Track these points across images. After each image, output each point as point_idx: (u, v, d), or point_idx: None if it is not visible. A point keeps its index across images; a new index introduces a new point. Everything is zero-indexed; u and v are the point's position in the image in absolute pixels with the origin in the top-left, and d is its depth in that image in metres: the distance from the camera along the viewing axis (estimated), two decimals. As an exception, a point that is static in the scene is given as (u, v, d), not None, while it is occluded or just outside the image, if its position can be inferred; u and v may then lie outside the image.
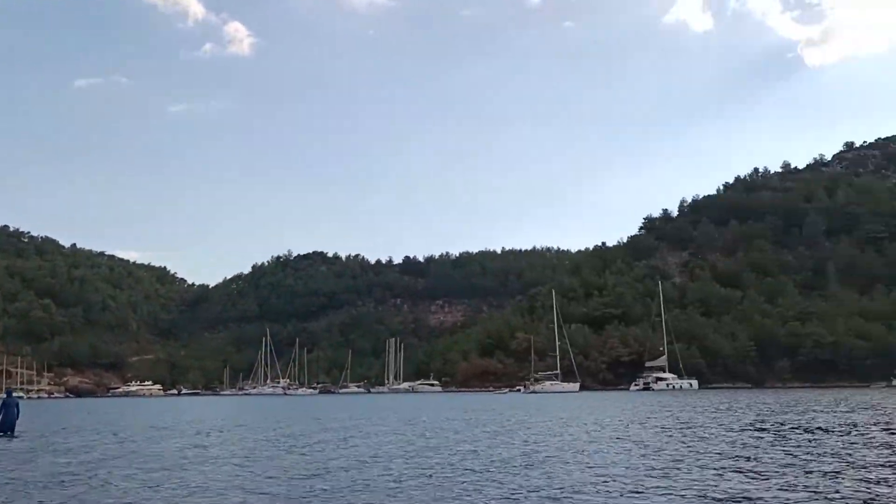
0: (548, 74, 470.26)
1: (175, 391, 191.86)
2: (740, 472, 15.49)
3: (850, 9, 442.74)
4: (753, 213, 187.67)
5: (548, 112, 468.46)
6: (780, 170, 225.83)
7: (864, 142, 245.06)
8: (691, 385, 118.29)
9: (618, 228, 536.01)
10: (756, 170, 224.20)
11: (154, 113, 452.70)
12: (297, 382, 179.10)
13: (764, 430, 26.77)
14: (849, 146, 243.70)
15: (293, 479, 15.48)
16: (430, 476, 15.68)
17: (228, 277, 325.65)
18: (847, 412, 38.44)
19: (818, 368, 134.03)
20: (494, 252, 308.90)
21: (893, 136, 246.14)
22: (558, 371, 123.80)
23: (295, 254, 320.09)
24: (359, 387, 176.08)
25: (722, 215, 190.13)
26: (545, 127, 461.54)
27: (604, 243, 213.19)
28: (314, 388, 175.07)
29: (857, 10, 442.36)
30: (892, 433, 24.26)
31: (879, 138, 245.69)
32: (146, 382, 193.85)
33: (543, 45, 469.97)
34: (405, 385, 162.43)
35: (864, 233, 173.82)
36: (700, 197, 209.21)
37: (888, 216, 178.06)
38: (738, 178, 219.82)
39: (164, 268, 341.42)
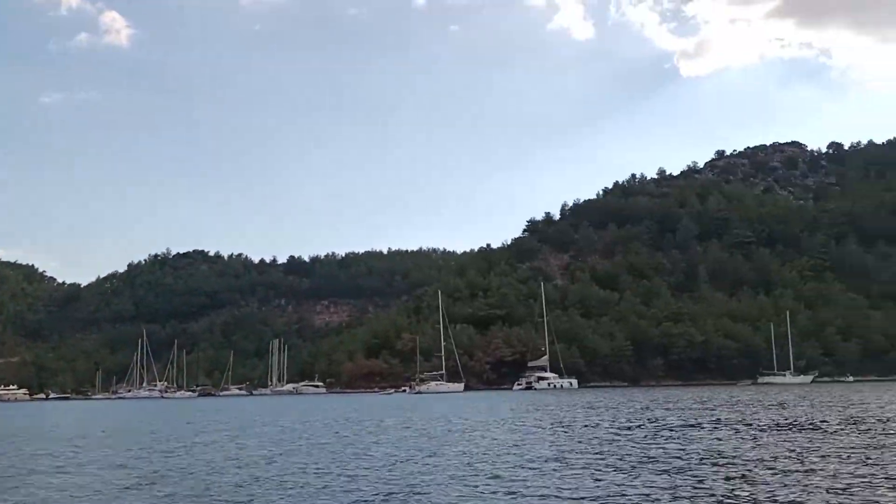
0: (434, 76, 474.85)
1: (42, 395, 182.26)
2: (612, 468, 16.00)
3: (722, 23, 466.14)
4: (631, 217, 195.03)
5: (434, 113, 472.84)
6: (655, 176, 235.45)
7: (734, 150, 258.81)
8: (571, 384, 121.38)
9: (502, 231, 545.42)
10: (634, 176, 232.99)
11: (24, 103, 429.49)
12: (175, 385, 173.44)
13: (636, 426, 27.79)
14: (720, 154, 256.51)
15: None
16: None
17: (102, 276, 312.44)
18: (711, 409, 40.42)
19: (689, 367, 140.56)
20: (381, 252, 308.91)
21: (761, 145, 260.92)
22: (443, 371, 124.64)
23: (174, 252, 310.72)
24: (240, 389, 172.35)
25: (601, 219, 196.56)
26: (431, 128, 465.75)
27: (489, 245, 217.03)
28: (193, 391, 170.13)
29: (729, 24, 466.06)
30: (760, 429, 25.65)
31: (748, 147, 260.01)
32: (10, 386, 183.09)
33: (430, 47, 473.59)
34: (289, 387, 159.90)
35: (732, 238, 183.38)
36: (581, 201, 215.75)
37: (755, 222, 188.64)
38: (616, 184, 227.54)
39: (32, 266, 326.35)
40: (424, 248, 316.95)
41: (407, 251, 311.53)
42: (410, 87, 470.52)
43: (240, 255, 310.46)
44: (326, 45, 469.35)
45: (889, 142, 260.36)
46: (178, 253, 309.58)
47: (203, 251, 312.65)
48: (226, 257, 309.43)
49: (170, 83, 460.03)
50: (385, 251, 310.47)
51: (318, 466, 18.34)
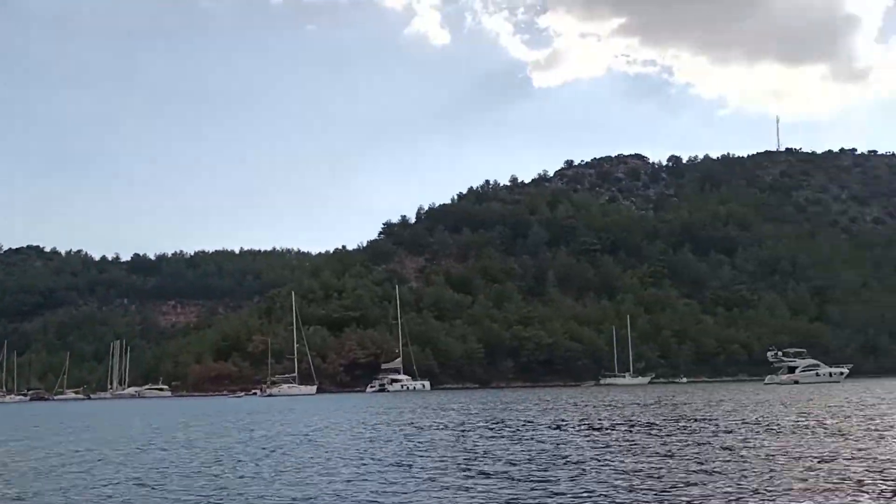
0: (289, 75, 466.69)
1: None
2: (460, 467, 16.32)
3: (573, 37, 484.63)
4: (484, 222, 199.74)
5: (290, 113, 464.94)
6: (508, 183, 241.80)
7: (582, 161, 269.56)
8: (424, 386, 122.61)
9: (358, 233, 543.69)
10: (487, 182, 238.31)
11: None
12: (4, 389, 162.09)
13: (486, 427, 28.48)
14: (569, 164, 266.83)
15: None
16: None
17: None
18: (555, 409, 41.98)
19: (538, 368, 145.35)
20: (232, 252, 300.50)
21: (606, 156, 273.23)
22: (296, 374, 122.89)
23: (6, 247, 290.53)
24: (77, 393, 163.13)
25: (456, 223, 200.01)
26: (287, 127, 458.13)
27: (344, 247, 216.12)
28: (24, 395, 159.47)
29: (579, 39, 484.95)
30: (596, 429, 26.87)
31: (595, 158, 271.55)
32: None
33: (286, 45, 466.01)
34: (130, 390, 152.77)
35: (579, 245, 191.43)
36: (436, 205, 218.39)
37: (600, 230, 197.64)
38: (471, 189, 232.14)
39: None
40: (278, 248, 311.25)
41: (260, 251, 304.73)
42: (265, 85, 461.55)
43: (79, 251, 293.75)
44: (177, 37, 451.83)
45: (723, 157, 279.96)
46: (10, 248, 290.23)
47: (37, 247, 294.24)
48: (63, 253, 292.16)
49: (9, 70, 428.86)
50: (237, 251, 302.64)
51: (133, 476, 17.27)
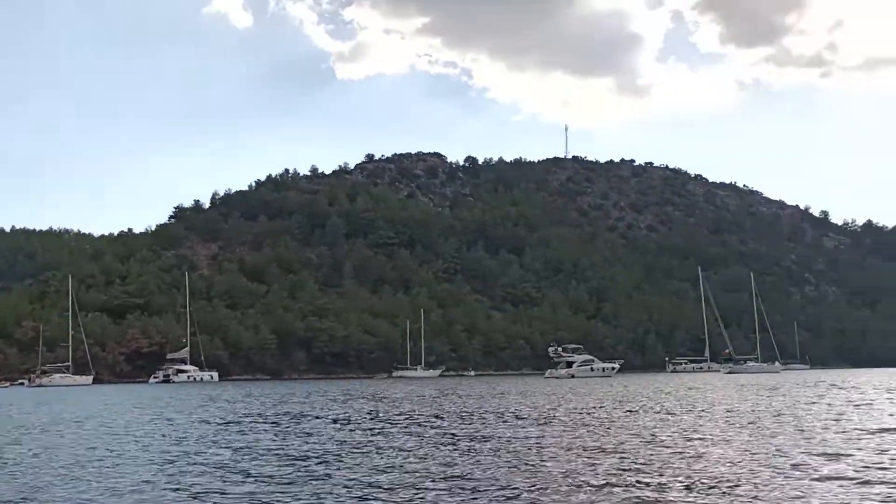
0: (80, 51, 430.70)
1: None
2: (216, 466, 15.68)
3: (377, 32, 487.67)
4: (282, 211, 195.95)
5: (77, 88, 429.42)
6: (308, 173, 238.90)
7: (383, 155, 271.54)
8: (212, 377, 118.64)
9: (147, 216, 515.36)
10: (287, 170, 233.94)
11: None
12: None
13: (264, 420, 27.74)
14: (370, 158, 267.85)
15: None
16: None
17: None
18: (350, 401, 41.89)
19: (331, 360, 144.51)
20: (2, 230, 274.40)
21: (407, 153, 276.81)
22: (70, 363, 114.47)
23: None
24: None
25: (252, 211, 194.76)
26: (74, 103, 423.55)
27: (130, 230, 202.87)
28: None
29: (384, 34, 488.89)
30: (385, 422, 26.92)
31: (395, 154, 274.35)
32: None
33: (78, 21, 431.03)
34: None
35: (377, 238, 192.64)
36: (232, 191, 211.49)
37: (398, 224, 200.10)
38: (269, 177, 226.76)
39: None
40: (56, 228, 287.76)
41: (34, 230, 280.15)
42: (52, 60, 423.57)
43: None
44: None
45: (516, 160, 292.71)
46: None
47: None
48: None
49: None
50: (7, 229, 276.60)
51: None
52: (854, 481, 11.52)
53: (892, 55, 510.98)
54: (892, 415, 24.55)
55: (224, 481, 13.02)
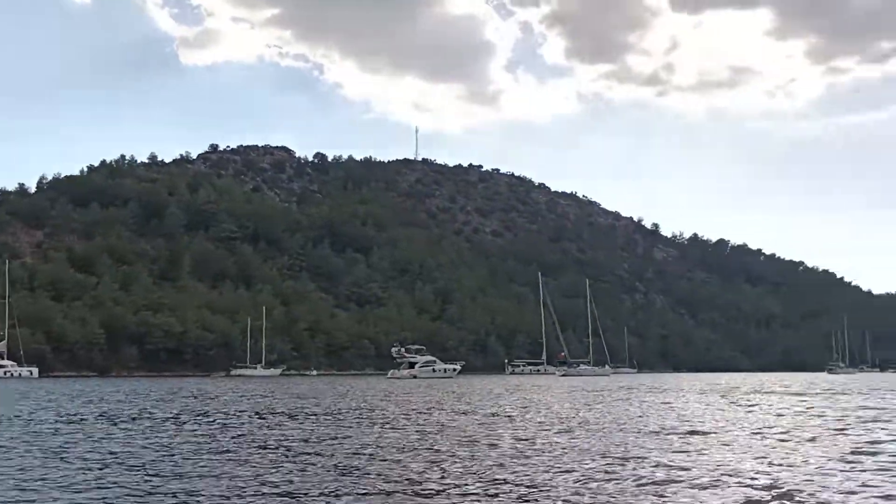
0: None
1: None
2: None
3: (225, 20, 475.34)
4: (116, 198, 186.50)
5: None
6: (146, 160, 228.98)
7: (228, 146, 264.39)
8: (31, 373, 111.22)
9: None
10: (123, 157, 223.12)
11: None
12: None
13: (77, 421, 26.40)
14: (213, 148, 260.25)
15: None
16: None
17: None
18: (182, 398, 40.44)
19: (165, 357, 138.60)
20: None
21: (253, 145, 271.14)
22: None
23: None
24: None
25: (83, 198, 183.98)
26: None
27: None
28: None
29: (232, 23, 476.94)
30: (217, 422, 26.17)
31: (241, 145, 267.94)
32: None
33: None
34: None
35: (219, 231, 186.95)
36: (62, 176, 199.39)
37: (242, 218, 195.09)
38: (103, 162, 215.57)
39: None
40: None
41: None
42: None
43: None
44: None
45: (365, 159, 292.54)
46: None
47: None
48: None
49: None
50: None
51: None
52: (633, 480, 12.11)
53: (723, 78, 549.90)
54: (683, 417, 26.18)
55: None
